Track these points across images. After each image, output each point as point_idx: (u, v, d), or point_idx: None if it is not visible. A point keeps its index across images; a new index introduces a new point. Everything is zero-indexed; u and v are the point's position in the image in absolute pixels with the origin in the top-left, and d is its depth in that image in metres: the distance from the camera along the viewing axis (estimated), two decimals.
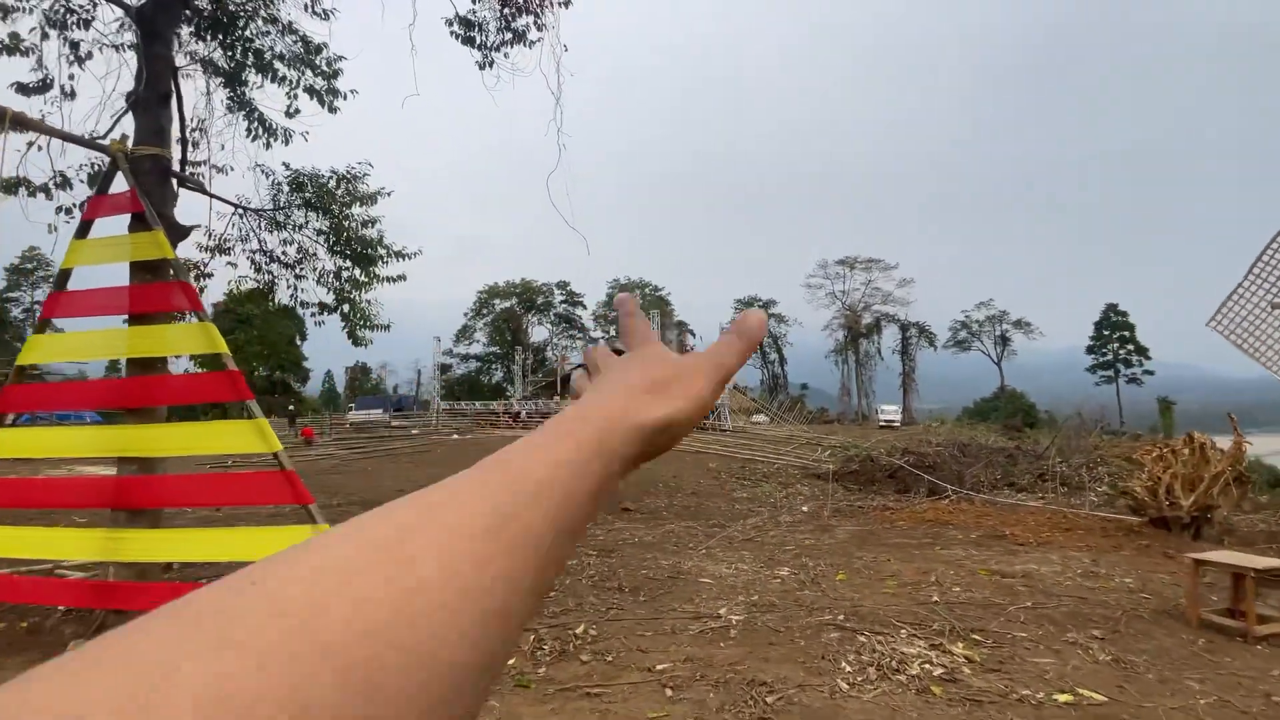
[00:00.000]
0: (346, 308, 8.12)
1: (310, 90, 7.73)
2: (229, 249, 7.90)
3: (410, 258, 7.97)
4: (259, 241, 7.86)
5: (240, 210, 7.40)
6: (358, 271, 7.91)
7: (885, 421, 49.23)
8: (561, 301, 73.81)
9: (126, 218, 4.75)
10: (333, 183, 7.64)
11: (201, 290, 7.79)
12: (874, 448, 25.79)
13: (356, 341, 8.00)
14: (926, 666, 3.66)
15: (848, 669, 3.63)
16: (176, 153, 7.45)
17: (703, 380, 0.37)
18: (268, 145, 7.05)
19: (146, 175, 4.68)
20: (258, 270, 8.02)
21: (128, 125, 5.56)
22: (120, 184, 4.57)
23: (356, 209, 7.97)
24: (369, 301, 7.99)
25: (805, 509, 13.69)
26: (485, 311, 72.07)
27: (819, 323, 71.17)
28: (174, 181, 5.15)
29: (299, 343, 62.41)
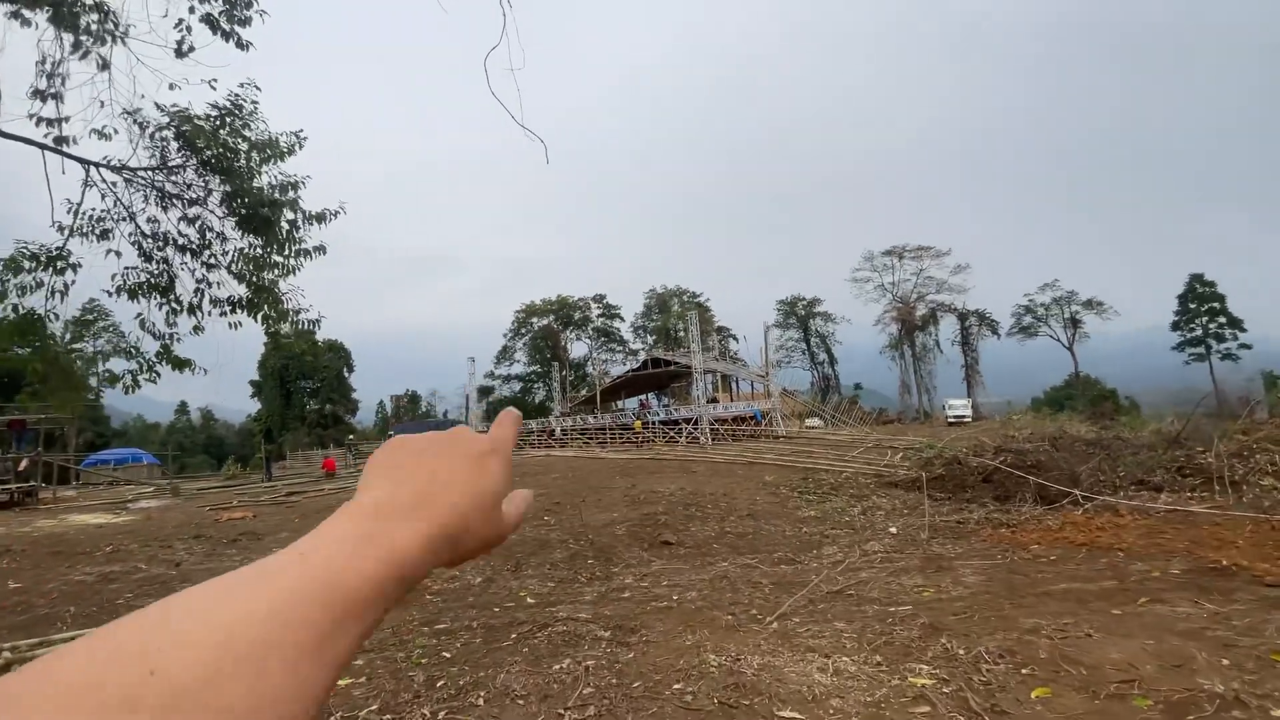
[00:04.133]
0: (266, 306, 6.02)
1: (210, 21, 5.75)
2: (108, 232, 5.93)
3: (329, 221, 5.79)
4: (138, 221, 5.85)
5: (91, 171, 5.40)
6: (269, 250, 5.80)
7: (955, 417, 45.15)
8: (599, 315, 72.12)
9: None
10: (217, 123, 5.54)
11: (70, 286, 5.83)
12: (951, 446, 22.48)
13: (278, 343, 5.93)
14: None
15: None
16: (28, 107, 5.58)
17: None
18: (105, 65, 5.02)
19: None
20: (147, 259, 6.01)
21: None
22: None
23: (267, 168, 5.89)
24: (288, 290, 5.86)
25: (894, 530, 10.90)
26: (524, 331, 70.92)
27: (869, 318, 67.30)
28: None
29: (346, 374, 62.89)
